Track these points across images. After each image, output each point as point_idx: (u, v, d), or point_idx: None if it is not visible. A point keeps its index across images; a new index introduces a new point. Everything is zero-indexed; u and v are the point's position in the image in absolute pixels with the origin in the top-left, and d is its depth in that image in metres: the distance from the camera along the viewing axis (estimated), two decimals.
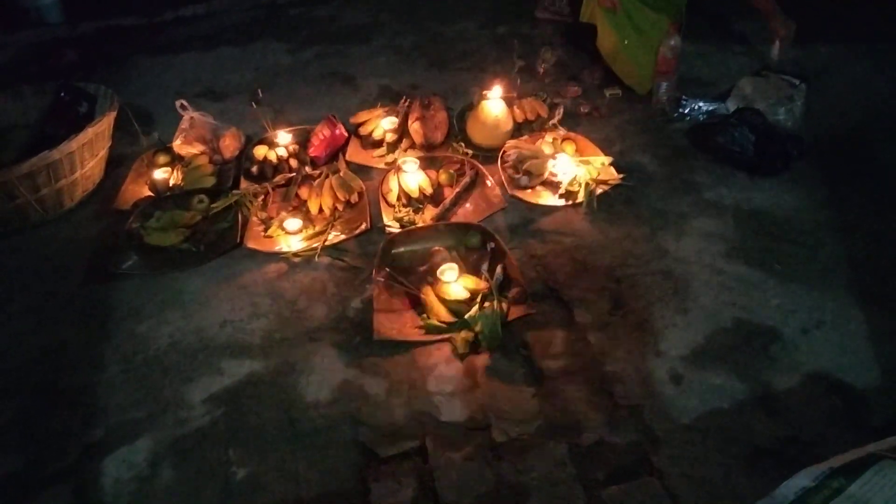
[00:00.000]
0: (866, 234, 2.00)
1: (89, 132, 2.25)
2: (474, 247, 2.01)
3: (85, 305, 1.97)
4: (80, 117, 2.37)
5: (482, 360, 1.70)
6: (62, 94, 2.47)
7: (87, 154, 2.30)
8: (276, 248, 2.11)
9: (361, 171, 2.45)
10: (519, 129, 2.59)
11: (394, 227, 2.15)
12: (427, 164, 2.39)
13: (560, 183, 2.26)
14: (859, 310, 1.78)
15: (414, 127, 2.49)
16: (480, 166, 2.36)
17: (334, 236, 2.14)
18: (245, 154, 2.54)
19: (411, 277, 1.91)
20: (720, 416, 1.53)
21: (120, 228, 2.18)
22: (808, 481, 1.18)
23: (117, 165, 2.56)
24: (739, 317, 1.76)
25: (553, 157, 2.34)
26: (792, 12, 2.66)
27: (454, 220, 2.20)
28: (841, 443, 1.39)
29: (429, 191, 2.27)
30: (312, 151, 2.46)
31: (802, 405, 1.54)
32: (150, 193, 2.37)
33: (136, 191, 2.40)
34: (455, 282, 1.84)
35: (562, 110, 2.55)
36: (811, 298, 1.82)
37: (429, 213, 2.21)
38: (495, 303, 1.76)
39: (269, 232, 2.16)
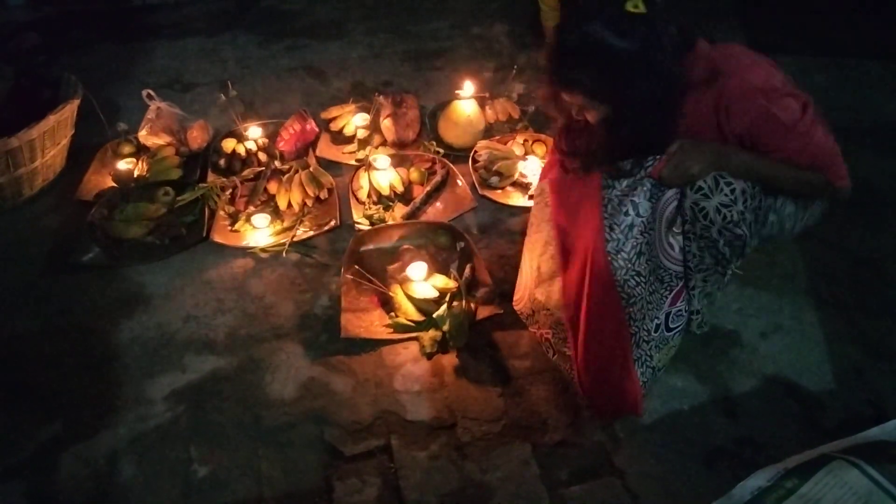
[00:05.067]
0: (823, 242, 2.06)
1: (51, 119, 2.19)
2: (444, 246, 2.02)
3: (43, 298, 1.91)
4: (41, 104, 2.30)
5: (449, 359, 1.71)
6: (22, 80, 2.40)
7: (48, 142, 2.24)
8: (243, 243, 2.08)
9: (332, 167, 2.43)
10: (490, 130, 2.60)
11: (363, 225, 2.14)
12: (398, 161, 2.39)
13: (530, 184, 2.28)
14: (815, 314, 1.83)
15: (385, 124, 2.48)
16: (451, 165, 2.36)
17: (303, 232, 2.12)
18: (213, 147, 2.50)
19: (380, 275, 1.91)
20: (680, 417, 1.56)
21: (82, 220, 2.13)
22: (763, 481, 1.22)
23: (80, 155, 2.49)
24: (706, 318, 1.80)
25: (524, 158, 2.36)
26: (756, 22, 2.72)
27: (424, 218, 2.20)
28: (795, 444, 1.43)
29: (399, 189, 2.27)
30: (282, 146, 2.43)
31: (759, 407, 1.59)
32: (114, 184, 2.31)
33: (100, 181, 2.35)
34: (424, 281, 1.84)
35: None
36: (770, 303, 1.87)
37: (399, 211, 2.21)
38: (464, 302, 1.77)
39: (236, 226, 2.13)
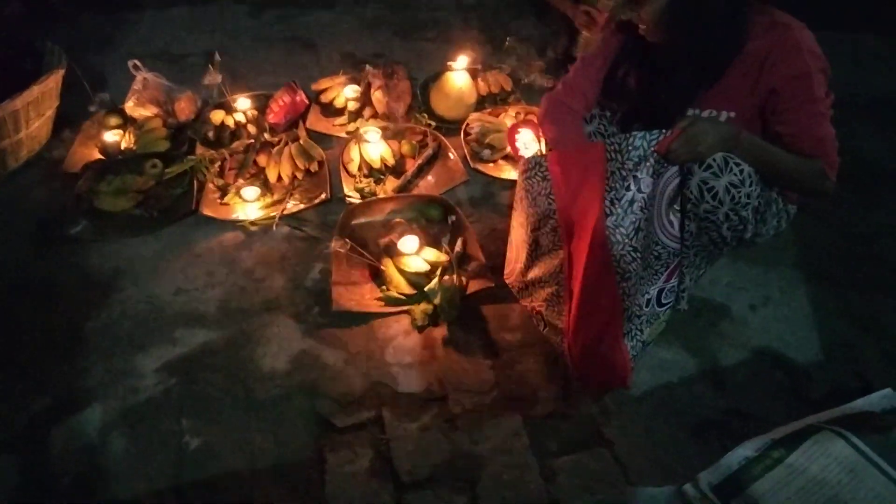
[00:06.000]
0: (815, 215, 2.07)
1: (35, 90, 2.15)
2: (435, 219, 2.01)
3: (31, 271, 1.89)
4: (24, 74, 2.25)
5: (440, 332, 1.71)
6: (5, 50, 2.35)
7: (32, 113, 2.20)
8: (233, 216, 2.07)
9: (322, 139, 2.41)
10: (482, 102, 2.58)
11: (354, 198, 2.12)
12: (389, 134, 2.36)
13: (522, 157, 2.26)
14: (804, 288, 1.85)
15: (376, 96, 2.45)
16: (443, 138, 2.34)
17: (293, 205, 2.11)
18: (201, 118, 2.46)
19: (371, 249, 1.90)
20: (670, 389, 1.57)
21: (69, 192, 2.10)
22: (750, 451, 1.24)
23: (65, 126, 2.44)
24: (691, 293, 1.81)
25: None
26: None
27: (416, 192, 2.19)
28: (783, 415, 1.45)
29: (391, 162, 2.25)
30: (272, 118, 2.40)
31: (748, 379, 1.60)
32: (101, 156, 2.28)
33: (86, 153, 2.31)
34: (415, 254, 1.84)
35: None
36: (760, 276, 1.88)
37: (390, 185, 2.19)
38: (455, 276, 1.76)
39: (226, 199, 2.11)
